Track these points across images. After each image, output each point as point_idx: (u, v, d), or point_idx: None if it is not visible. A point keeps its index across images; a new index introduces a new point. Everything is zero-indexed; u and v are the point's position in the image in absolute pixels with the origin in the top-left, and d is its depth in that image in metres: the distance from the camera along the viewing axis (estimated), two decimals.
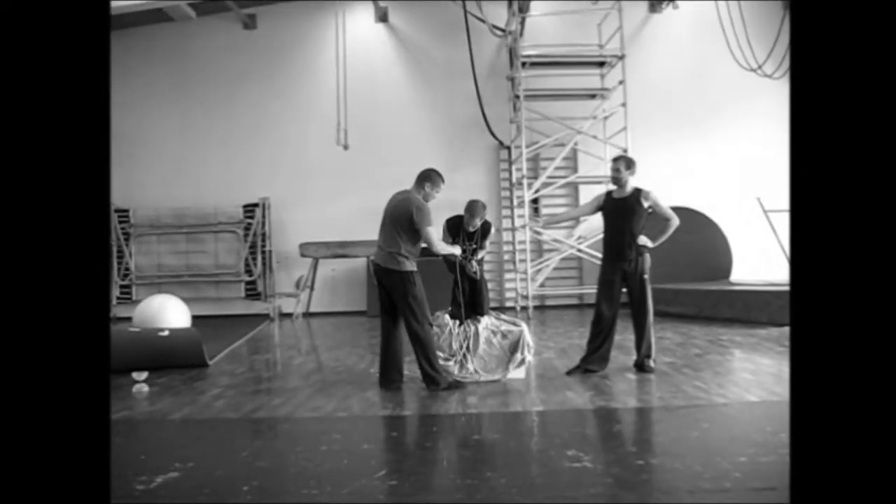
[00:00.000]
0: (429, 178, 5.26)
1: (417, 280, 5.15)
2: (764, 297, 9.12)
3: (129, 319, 8.64)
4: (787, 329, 7.31)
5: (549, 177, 12.77)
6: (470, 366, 5.44)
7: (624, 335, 8.48)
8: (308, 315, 13.09)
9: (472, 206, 5.65)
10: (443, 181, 5.32)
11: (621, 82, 12.46)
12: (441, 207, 6.32)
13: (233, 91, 13.87)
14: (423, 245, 5.26)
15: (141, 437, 4.16)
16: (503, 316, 5.79)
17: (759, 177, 12.88)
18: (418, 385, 5.23)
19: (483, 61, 13.45)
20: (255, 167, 13.78)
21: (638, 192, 5.58)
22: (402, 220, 5.11)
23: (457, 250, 5.42)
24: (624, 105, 12.37)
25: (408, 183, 5.41)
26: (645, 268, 5.57)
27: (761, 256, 12.37)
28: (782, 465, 2.63)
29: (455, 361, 5.44)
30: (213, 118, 13.92)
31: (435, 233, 5.18)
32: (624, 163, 5.68)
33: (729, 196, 13.28)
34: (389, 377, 5.29)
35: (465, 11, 12.62)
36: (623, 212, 5.56)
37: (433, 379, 5.08)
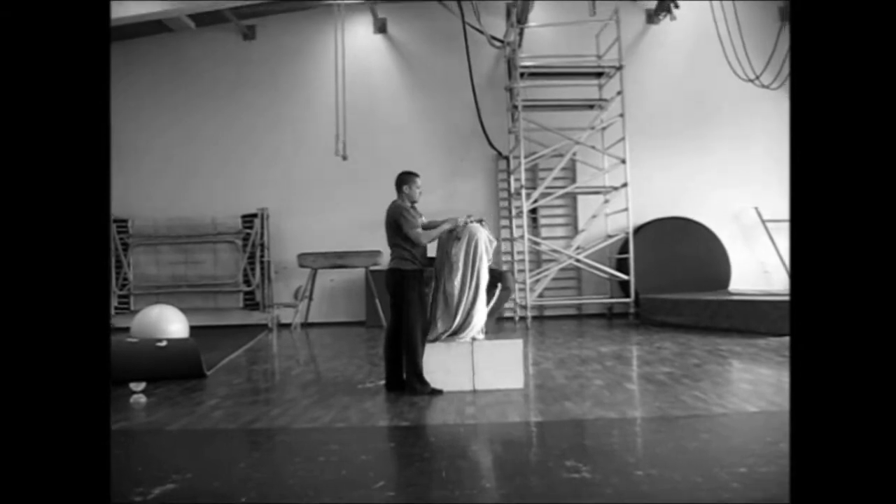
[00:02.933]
0: (403, 181, 5.56)
1: (416, 280, 5.37)
2: (763, 308, 9.12)
3: (127, 329, 8.61)
4: (786, 339, 7.30)
5: (548, 187, 12.79)
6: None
7: (623, 345, 8.50)
8: (306, 325, 13.07)
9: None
10: (417, 177, 5.56)
11: (619, 93, 12.51)
12: (442, 215, 6.32)
13: (232, 101, 13.92)
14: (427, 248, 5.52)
15: (138, 448, 4.14)
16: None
17: (757, 187, 12.92)
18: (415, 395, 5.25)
19: (481, 72, 13.51)
20: (254, 177, 13.80)
21: None
22: (392, 228, 5.44)
23: (447, 225, 5.45)
24: (622, 115, 12.42)
25: None
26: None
27: (760, 266, 12.39)
28: (782, 476, 2.62)
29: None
30: (212, 128, 13.95)
31: (420, 232, 5.38)
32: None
33: (727, 206, 13.32)
34: (394, 383, 5.49)
35: (464, 22, 12.69)
36: None
37: (412, 386, 5.30)
